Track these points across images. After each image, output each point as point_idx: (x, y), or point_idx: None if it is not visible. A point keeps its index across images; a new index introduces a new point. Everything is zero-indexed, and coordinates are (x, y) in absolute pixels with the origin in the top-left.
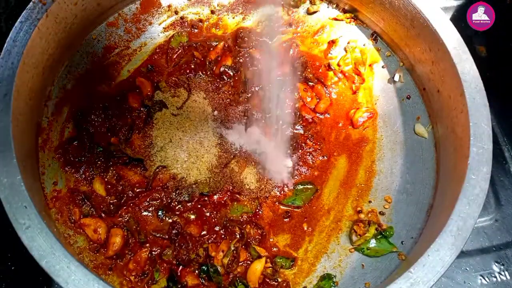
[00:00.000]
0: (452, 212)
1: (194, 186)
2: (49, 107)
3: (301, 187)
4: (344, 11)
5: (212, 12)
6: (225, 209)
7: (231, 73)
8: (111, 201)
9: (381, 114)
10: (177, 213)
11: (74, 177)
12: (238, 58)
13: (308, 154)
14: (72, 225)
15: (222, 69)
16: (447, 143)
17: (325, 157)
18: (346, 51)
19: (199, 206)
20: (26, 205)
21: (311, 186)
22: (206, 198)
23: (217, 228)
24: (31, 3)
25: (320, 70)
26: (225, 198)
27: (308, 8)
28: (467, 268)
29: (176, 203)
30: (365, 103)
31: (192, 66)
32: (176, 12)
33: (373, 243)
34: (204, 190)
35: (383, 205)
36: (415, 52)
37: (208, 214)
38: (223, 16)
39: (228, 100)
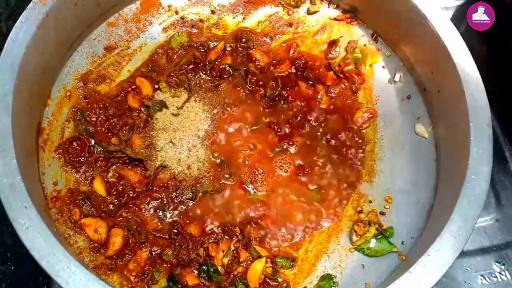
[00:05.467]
0: (452, 212)
1: (198, 185)
2: (49, 107)
3: None
4: (344, 11)
5: (213, 12)
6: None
7: (231, 71)
8: (111, 201)
9: (381, 114)
10: (179, 212)
11: (74, 177)
12: (238, 58)
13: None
14: (72, 225)
15: (222, 67)
16: (448, 143)
17: None
18: (346, 51)
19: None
20: (26, 205)
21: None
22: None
23: (215, 228)
24: (31, 3)
25: (321, 70)
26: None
27: (308, 8)
28: (468, 268)
29: (178, 202)
30: (366, 103)
31: (192, 66)
32: (177, 12)
33: (373, 243)
34: (208, 188)
35: (384, 205)
36: (415, 52)
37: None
38: (224, 16)
39: (229, 99)
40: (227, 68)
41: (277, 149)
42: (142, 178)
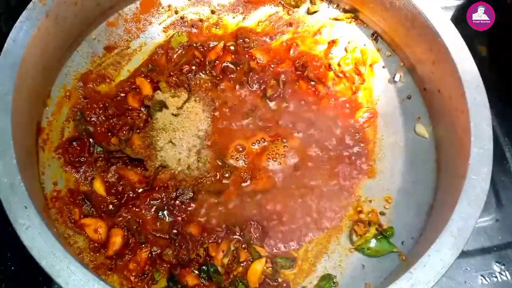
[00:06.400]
0: (452, 212)
1: (198, 185)
2: (49, 107)
3: None
4: (345, 11)
5: (212, 12)
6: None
7: (233, 67)
8: (111, 201)
9: (381, 114)
10: (179, 212)
11: (74, 177)
12: (238, 57)
13: None
14: (72, 225)
15: (224, 64)
16: (448, 143)
17: None
18: (346, 51)
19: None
20: (26, 205)
21: None
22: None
23: (215, 228)
24: (31, 3)
25: (321, 70)
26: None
27: (308, 8)
28: (468, 268)
29: (178, 202)
30: (366, 103)
31: (192, 66)
32: (176, 12)
33: (373, 243)
34: (208, 188)
35: (384, 205)
36: (415, 52)
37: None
38: (223, 16)
39: (229, 99)
40: (229, 65)
41: (276, 148)
42: (142, 178)
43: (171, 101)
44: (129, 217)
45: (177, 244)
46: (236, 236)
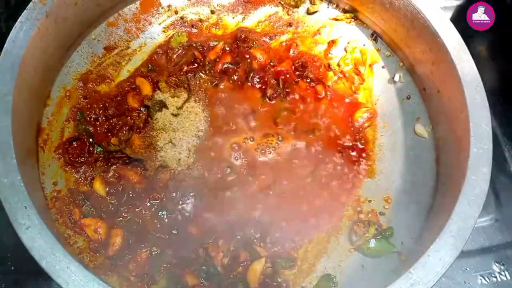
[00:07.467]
0: (452, 213)
1: (198, 185)
2: (49, 107)
3: None
4: (344, 11)
5: (212, 12)
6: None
7: (233, 68)
8: (111, 201)
9: (381, 114)
10: (179, 212)
11: (74, 177)
12: (238, 57)
13: None
14: (72, 225)
15: (224, 66)
16: (447, 144)
17: None
18: (346, 51)
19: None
20: (26, 205)
21: None
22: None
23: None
24: (31, 3)
25: (320, 70)
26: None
27: (308, 8)
28: (467, 268)
29: (178, 202)
30: (366, 103)
31: (192, 66)
32: (176, 12)
33: (373, 243)
34: (208, 188)
35: (383, 205)
36: (415, 53)
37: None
38: (223, 16)
39: (228, 99)
40: (229, 66)
41: (275, 147)
42: (142, 178)
43: (171, 101)
44: (129, 217)
45: (177, 244)
46: (236, 236)
